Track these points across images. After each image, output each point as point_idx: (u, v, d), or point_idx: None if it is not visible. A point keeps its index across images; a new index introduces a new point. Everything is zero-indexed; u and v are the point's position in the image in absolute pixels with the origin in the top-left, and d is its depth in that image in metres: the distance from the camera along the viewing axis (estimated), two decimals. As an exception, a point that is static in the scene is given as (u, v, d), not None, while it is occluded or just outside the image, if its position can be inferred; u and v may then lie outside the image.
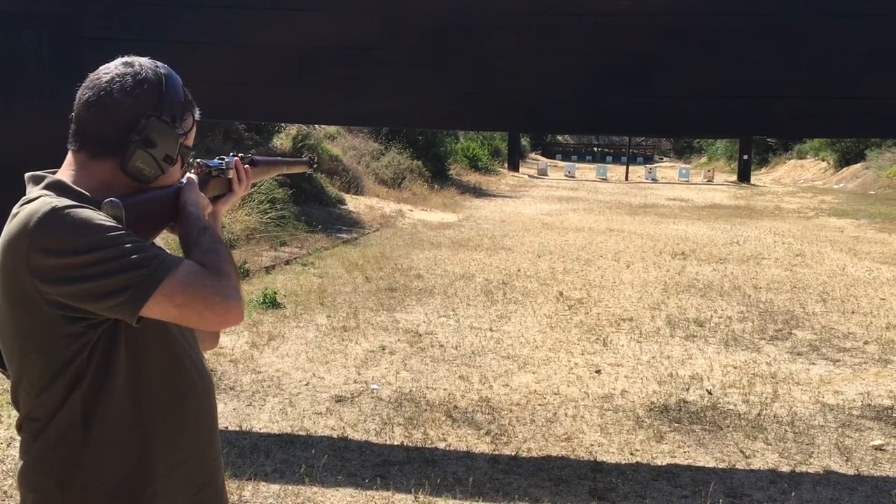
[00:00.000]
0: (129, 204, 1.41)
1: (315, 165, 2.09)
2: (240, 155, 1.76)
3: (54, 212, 1.33)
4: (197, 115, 1.56)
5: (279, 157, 1.98)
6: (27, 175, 1.46)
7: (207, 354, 1.73)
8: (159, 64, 1.51)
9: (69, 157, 1.48)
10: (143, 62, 1.49)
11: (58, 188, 1.40)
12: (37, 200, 1.37)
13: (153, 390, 1.48)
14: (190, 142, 1.55)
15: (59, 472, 1.43)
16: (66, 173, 1.45)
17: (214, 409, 1.63)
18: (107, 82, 1.45)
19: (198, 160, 1.65)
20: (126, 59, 1.50)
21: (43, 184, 1.42)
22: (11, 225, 1.37)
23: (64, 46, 4.28)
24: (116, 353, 1.42)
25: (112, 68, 1.48)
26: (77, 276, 1.32)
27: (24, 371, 1.43)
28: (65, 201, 1.36)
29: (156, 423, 1.48)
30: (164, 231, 1.58)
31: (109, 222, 1.35)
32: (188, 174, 1.61)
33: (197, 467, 1.56)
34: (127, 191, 1.46)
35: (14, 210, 1.39)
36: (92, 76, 1.48)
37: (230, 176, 1.72)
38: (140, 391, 1.46)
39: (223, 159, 1.72)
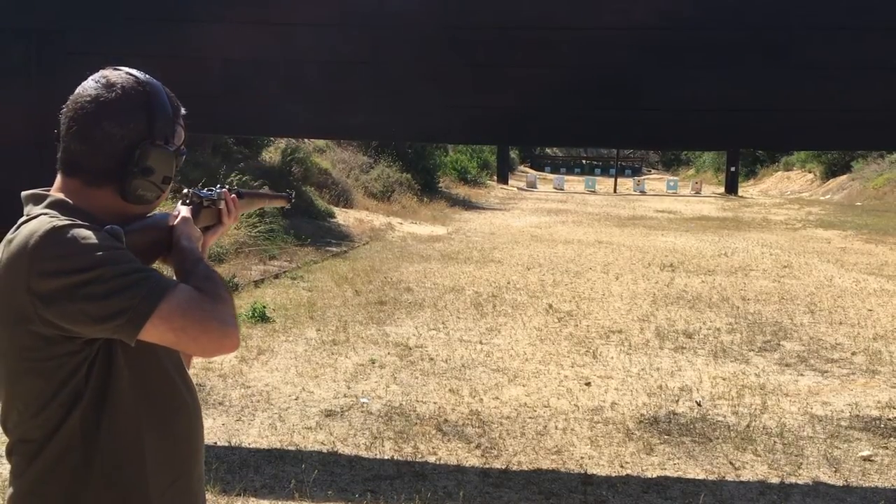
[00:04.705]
0: (127, 231, 1.42)
1: (293, 200, 2.13)
2: (227, 187, 1.76)
3: (55, 230, 1.32)
4: (184, 113, 1.53)
5: (261, 191, 2.07)
6: (26, 193, 1.44)
7: (196, 369, 1.72)
8: (140, 78, 1.46)
9: (61, 180, 1.44)
10: (124, 82, 1.43)
11: (61, 207, 1.39)
12: (37, 219, 1.35)
13: (149, 408, 1.46)
14: (183, 146, 1.53)
15: (60, 495, 1.40)
16: (64, 195, 1.43)
17: (202, 428, 1.62)
18: (93, 112, 1.41)
19: (190, 190, 1.66)
20: (106, 77, 1.44)
21: (45, 203, 1.40)
22: (12, 244, 1.34)
23: (50, 61, 4.28)
24: (116, 370, 1.40)
25: (94, 93, 1.42)
26: (77, 295, 1.30)
27: (18, 394, 1.40)
28: (66, 220, 1.34)
29: (151, 441, 1.46)
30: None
31: (109, 242, 1.34)
32: (181, 206, 1.61)
33: (186, 487, 1.54)
34: (125, 211, 1.46)
35: (13, 229, 1.37)
36: (73, 102, 1.43)
37: (221, 206, 1.73)
38: (139, 409, 1.44)
39: (213, 190, 1.73)
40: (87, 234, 1.33)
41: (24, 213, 1.42)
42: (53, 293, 1.30)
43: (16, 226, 1.39)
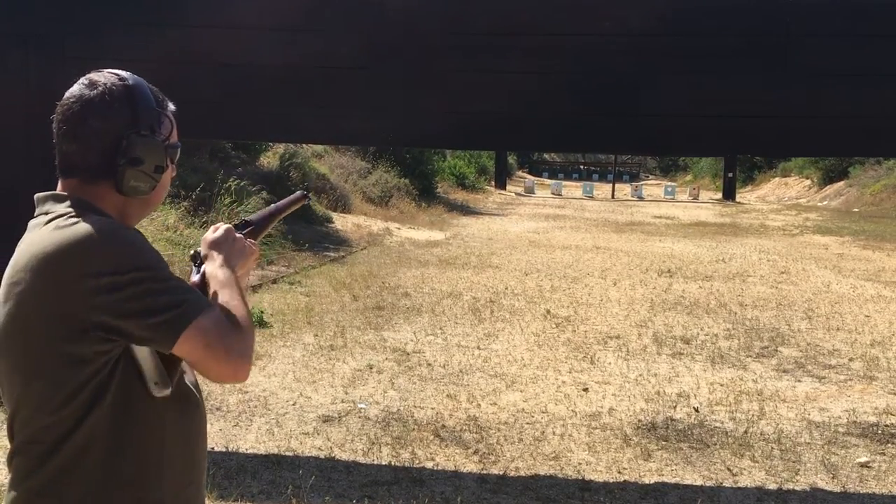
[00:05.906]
0: None
1: (309, 195, 2.06)
2: (234, 223, 1.70)
3: (107, 229, 1.37)
4: (172, 109, 1.55)
5: (271, 206, 1.91)
6: (42, 195, 1.47)
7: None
8: (123, 75, 1.50)
9: (61, 185, 1.48)
10: (106, 80, 1.48)
11: (83, 206, 1.42)
12: (76, 219, 1.38)
13: (173, 408, 1.46)
14: (174, 138, 1.55)
15: (78, 496, 1.39)
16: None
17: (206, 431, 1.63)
18: (78, 111, 1.45)
19: (200, 250, 1.62)
20: (89, 78, 1.49)
21: (67, 202, 1.43)
22: (47, 244, 1.36)
23: (48, 65, 4.28)
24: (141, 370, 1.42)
25: (78, 93, 1.47)
26: (133, 291, 1.34)
27: (32, 393, 1.39)
28: (115, 223, 1.41)
29: (172, 441, 1.46)
30: None
31: (154, 249, 1.41)
32: (195, 268, 1.61)
33: (197, 489, 1.55)
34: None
35: (44, 228, 1.39)
36: (61, 106, 1.48)
37: None
38: (165, 407, 1.44)
39: None
40: (136, 236, 1.41)
41: (41, 212, 1.44)
42: (110, 287, 1.33)
43: (44, 224, 1.40)
